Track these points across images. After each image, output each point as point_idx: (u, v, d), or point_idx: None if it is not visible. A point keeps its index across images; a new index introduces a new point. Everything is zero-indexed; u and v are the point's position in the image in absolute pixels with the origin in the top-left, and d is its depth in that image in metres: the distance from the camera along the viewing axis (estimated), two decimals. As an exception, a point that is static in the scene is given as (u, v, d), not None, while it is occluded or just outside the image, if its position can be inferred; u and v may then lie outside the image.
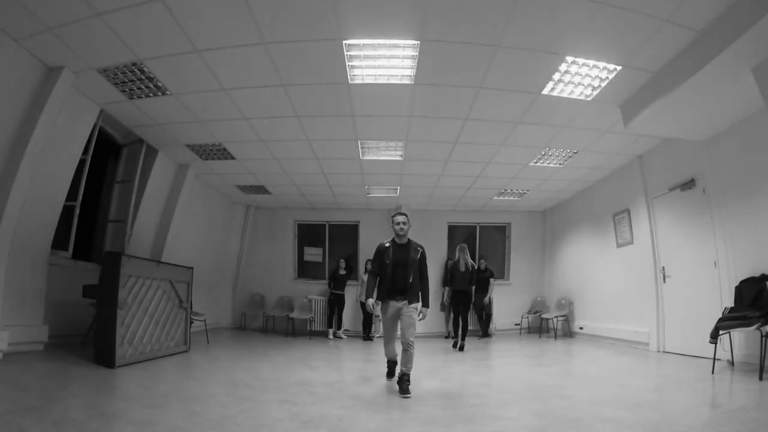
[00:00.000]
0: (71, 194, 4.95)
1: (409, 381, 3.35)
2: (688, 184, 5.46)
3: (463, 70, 4.15)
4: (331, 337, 8.29)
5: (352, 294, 8.88)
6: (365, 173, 7.38)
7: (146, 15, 3.37)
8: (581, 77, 4.25)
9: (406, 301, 3.64)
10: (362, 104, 4.89)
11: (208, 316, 7.29)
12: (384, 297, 3.71)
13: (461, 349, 6.31)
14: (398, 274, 3.65)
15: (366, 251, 9.31)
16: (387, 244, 3.75)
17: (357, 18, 3.45)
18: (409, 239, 3.78)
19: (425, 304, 3.73)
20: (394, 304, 3.67)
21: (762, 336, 3.71)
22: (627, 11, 3.25)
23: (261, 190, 8.53)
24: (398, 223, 3.68)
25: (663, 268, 5.90)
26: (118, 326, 4.07)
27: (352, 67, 4.13)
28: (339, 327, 8.50)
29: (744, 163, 4.58)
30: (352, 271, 9.08)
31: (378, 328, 8.47)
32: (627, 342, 6.50)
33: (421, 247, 3.80)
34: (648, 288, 6.06)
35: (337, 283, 8.49)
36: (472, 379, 4.18)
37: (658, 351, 5.76)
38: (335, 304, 8.45)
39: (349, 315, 8.91)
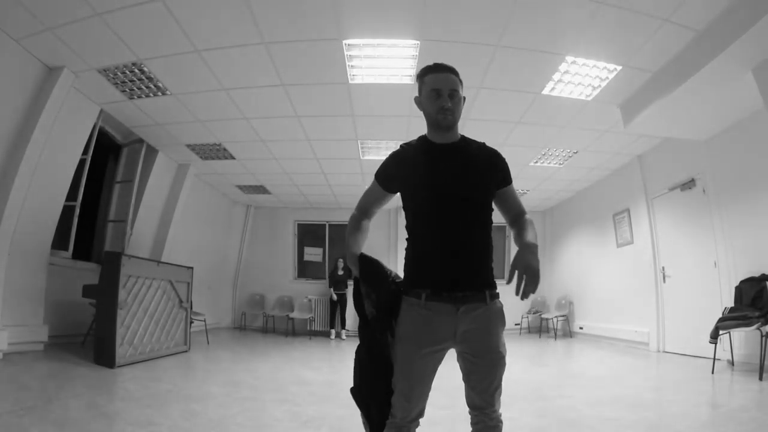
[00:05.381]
0: (71, 194, 4.94)
1: None
2: (688, 184, 5.46)
3: (462, 70, 4.08)
4: (332, 337, 8.29)
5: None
6: (365, 173, 7.37)
7: (146, 15, 3.36)
8: (581, 77, 4.25)
9: (482, 301, 1.35)
10: (362, 104, 4.89)
11: (208, 316, 7.28)
12: (412, 286, 1.41)
13: None
14: (452, 219, 1.37)
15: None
16: (412, 143, 1.56)
17: (357, 18, 3.45)
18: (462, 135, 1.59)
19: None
20: (442, 311, 1.34)
21: (762, 336, 3.71)
22: (627, 11, 3.25)
23: (261, 190, 8.53)
24: (434, 90, 1.49)
25: (663, 268, 5.90)
26: (118, 326, 4.07)
27: (352, 67, 4.13)
28: (342, 327, 8.47)
29: (744, 163, 4.58)
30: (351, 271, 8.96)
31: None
32: (627, 342, 6.50)
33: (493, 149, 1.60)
34: (648, 288, 6.06)
35: (338, 285, 8.45)
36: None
37: (658, 351, 5.76)
38: (338, 305, 8.42)
39: (352, 314, 8.88)
